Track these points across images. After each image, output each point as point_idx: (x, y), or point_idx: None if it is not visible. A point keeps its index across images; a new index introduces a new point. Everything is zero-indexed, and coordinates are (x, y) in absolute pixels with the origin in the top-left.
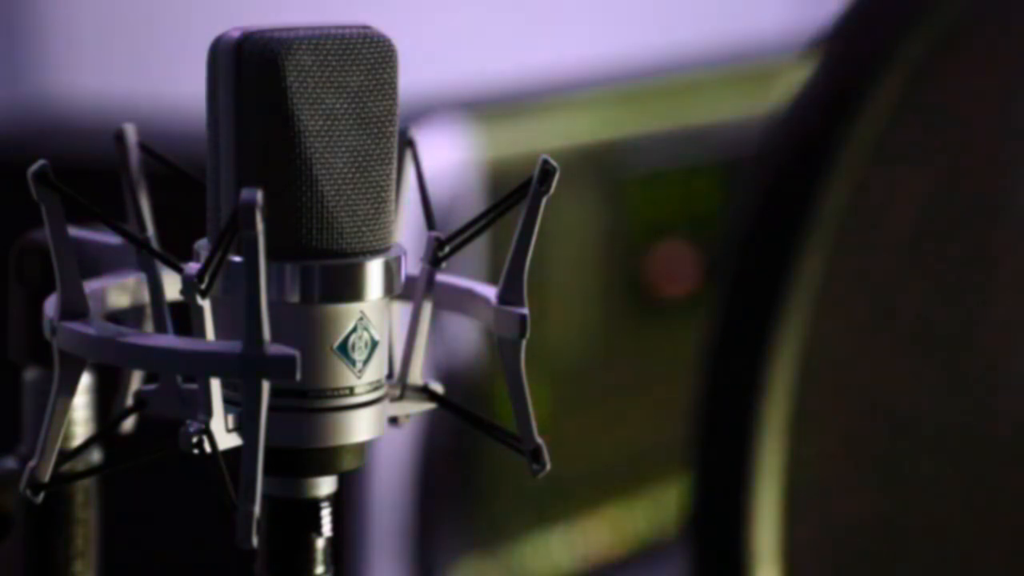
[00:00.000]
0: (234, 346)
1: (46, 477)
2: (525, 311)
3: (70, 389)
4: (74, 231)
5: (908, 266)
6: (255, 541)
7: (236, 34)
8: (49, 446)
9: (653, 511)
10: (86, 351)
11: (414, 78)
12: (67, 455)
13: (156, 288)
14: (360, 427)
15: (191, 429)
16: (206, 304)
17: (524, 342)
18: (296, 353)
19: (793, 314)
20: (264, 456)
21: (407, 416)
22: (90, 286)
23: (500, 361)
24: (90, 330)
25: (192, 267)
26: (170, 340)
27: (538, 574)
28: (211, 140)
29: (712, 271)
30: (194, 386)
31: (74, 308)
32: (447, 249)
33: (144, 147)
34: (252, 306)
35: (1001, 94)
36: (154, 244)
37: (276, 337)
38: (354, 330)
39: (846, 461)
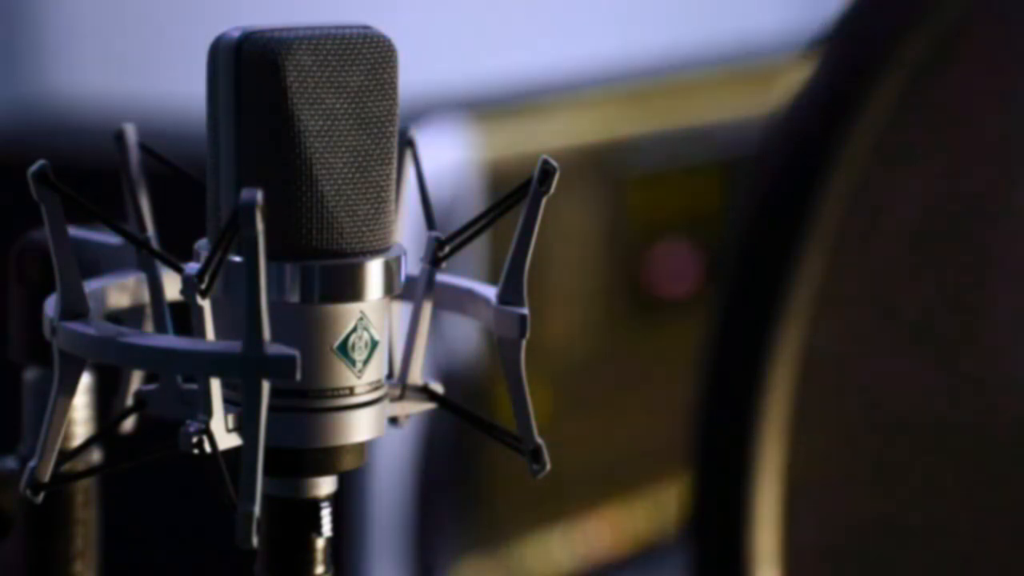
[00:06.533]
0: (234, 346)
1: (46, 477)
2: (525, 311)
3: (70, 389)
4: (74, 231)
5: (908, 266)
6: (255, 541)
7: (236, 34)
8: (49, 446)
9: (653, 511)
10: (86, 351)
11: (414, 78)
12: (67, 455)
13: (156, 288)
14: (360, 427)
15: (191, 429)
16: (206, 304)
17: (524, 342)
18: (296, 353)
19: (793, 314)
20: (264, 456)
21: (407, 416)
22: (90, 286)
23: (500, 361)
24: (90, 330)
25: (192, 267)
26: (170, 340)
27: (538, 574)
28: (211, 140)
29: (712, 271)
30: (194, 386)
31: (74, 308)
32: (447, 249)
33: (144, 147)
34: (252, 306)
35: (1001, 94)
36: (154, 244)
37: (276, 337)
38: (354, 330)
39: (846, 461)
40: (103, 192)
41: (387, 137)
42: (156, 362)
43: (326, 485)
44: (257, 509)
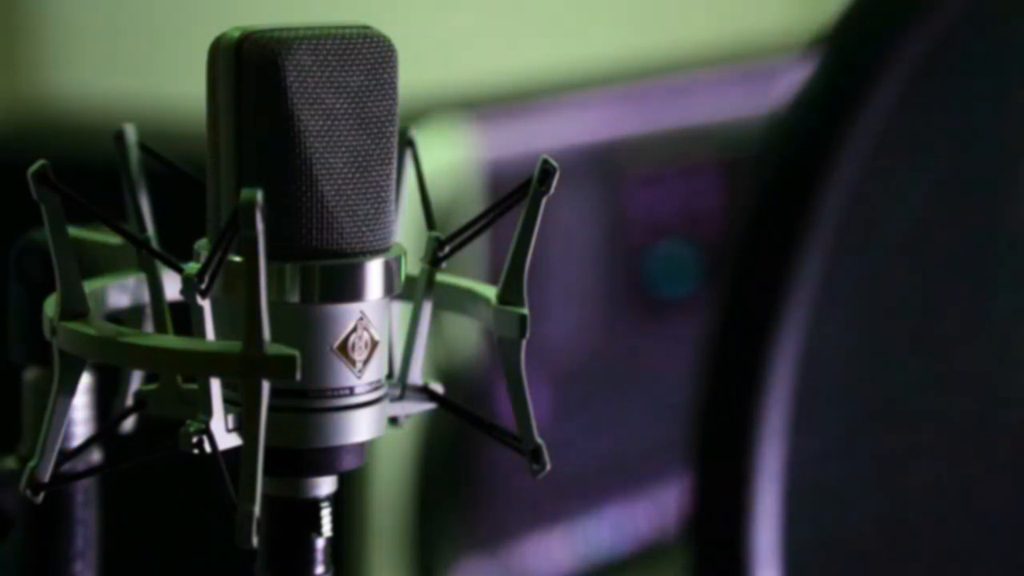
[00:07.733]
0: (234, 346)
1: (46, 477)
2: (525, 311)
3: (70, 389)
4: (74, 231)
5: (909, 265)
6: (255, 541)
7: (236, 34)
8: (49, 446)
9: (653, 511)
10: (86, 351)
11: (414, 78)
12: (67, 455)
13: (156, 288)
14: (360, 427)
15: (191, 429)
16: (206, 304)
17: (524, 342)
18: (296, 353)
19: (793, 313)
20: (264, 456)
21: (407, 416)
22: (90, 286)
23: (500, 361)
24: (90, 330)
25: (192, 267)
26: (170, 340)
27: (538, 574)
28: (211, 140)
29: (712, 271)
30: (194, 386)
31: (74, 308)
32: (447, 249)
33: (144, 147)
34: (252, 306)
35: (1001, 94)
36: (154, 244)
37: (276, 337)
38: (354, 330)
39: (846, 461)
40: (103, 192)
41: (387, 137)
42: (156, 362)
43: (326, 485)
44: (257, 509)
